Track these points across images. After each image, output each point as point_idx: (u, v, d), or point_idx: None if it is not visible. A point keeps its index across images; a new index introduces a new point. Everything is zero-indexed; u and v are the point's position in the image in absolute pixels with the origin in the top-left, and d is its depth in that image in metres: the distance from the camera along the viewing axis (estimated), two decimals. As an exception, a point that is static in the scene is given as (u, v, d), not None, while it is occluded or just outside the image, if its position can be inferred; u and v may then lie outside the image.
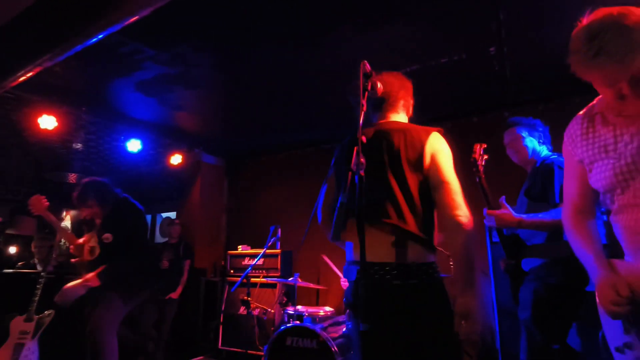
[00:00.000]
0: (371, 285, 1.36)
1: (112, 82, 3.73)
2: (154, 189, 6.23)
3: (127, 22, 2.34)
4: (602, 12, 1.12)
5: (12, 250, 6.41)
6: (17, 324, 3.61)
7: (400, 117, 1.72)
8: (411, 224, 1.42)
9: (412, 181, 1.47)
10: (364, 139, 1.39)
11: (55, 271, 4.18)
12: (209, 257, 5.51)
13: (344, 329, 3.23)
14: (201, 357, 4.68)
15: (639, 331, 1.16)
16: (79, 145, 5.43)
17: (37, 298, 3.70)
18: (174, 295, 4.73)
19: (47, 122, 3.99)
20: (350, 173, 1.24)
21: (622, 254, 1.28)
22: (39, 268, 4.46)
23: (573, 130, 1.37)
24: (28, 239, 6.57)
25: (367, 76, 1.46)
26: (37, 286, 3.72)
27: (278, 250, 4.56)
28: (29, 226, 6.45)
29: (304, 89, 3.82)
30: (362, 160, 1.29)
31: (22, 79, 2.98)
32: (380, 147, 1.52)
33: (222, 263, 5.21)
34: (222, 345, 4.64)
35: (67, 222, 7.33)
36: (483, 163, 2.30)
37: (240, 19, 2.76)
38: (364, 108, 1.40)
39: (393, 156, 1.50)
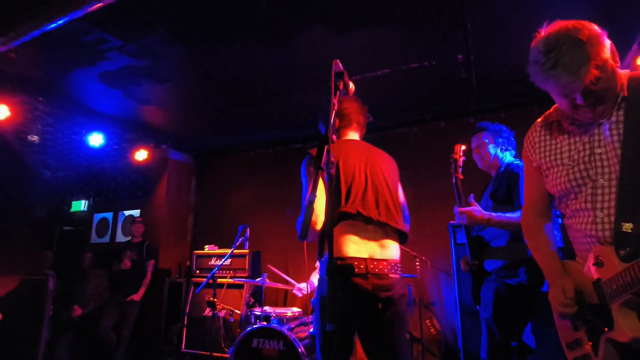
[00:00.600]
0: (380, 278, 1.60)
1: (73, 72, 3.55)
2: (117, 185, 5.97)
3: (90, 9, 2.24)
4: (558, 25, 1.18)
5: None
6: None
7: (357, 137, 1.95)
8: (406, 229, 1.79)
9: (398, 195, 1.84)
10: (341, 150, 1.67)
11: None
12: (174, 257, 5.35)
13: (312, 330, 3.22)
14: (163, 361, 4.54)
15: (587, 329, 1.22)
16: (34, 138, 5.13)
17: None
18: (136, 297, 4.56)
19: None
20: (320, 172, 1.25)
21: (575, 255, 1.35)
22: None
23: (532, 138, 1.43)
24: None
25: (339, 75, 1.47)
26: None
27: (246, 251, 4.49)
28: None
29: (275, 87, 3.79)
30: (332, 159, 1.30)
31: (-29, 64, 2.79)
32: (376, 162, 1.80)
33: (188, 263, 5.07)
34: (185, 348, 4.50)
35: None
36: (461, 164, 2.36)
37: (212, 12, 2.70)
38: (335, 107, 1.41)
39: (388, 173, 1.81)
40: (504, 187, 2.22)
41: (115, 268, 4.69)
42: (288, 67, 3.40)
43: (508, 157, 2.38)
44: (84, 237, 6.00)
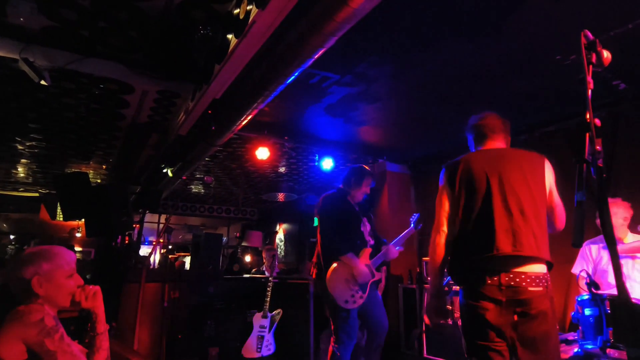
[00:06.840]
0: None
1: (305, 111, 4.26)
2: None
3: (316, 56, 2.63)
4: None
5: (247, 259, 8.00)
6: (257, 319, 4.45)
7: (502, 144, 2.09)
8: None
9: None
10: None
11: (278, 276, 4.98)
12: (404, 264, 5.56)
13: (577, 349, 2.71)
14: (407, 364, 4.73)
15: None
16: (283, 169, 6.40)
17: (268, 299, 4.48)
18: (375, 300, 4.96)
19: (262, 153, 4.85)
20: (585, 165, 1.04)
21: None
22: (267, 273, 5.40)
23: None
24: (257, 249, 8.08)
25: (590, 46, 1.21)
26: (268, 289, 4.51)
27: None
28: (257, 239, 7.96)
29: (486, 81, 3.48)
30: (598, 148, 1.07)
31: (244, 122, 3.72)
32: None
33: (417, 270, 5.18)
34: (427, 353, 4.57)
35: (280, 234, 8.69)
36: None
37: (414, 24, 2.73)
38: (591, 85, 1.16)
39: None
40: None
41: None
42: (499, 55, 3.08)
43: None
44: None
